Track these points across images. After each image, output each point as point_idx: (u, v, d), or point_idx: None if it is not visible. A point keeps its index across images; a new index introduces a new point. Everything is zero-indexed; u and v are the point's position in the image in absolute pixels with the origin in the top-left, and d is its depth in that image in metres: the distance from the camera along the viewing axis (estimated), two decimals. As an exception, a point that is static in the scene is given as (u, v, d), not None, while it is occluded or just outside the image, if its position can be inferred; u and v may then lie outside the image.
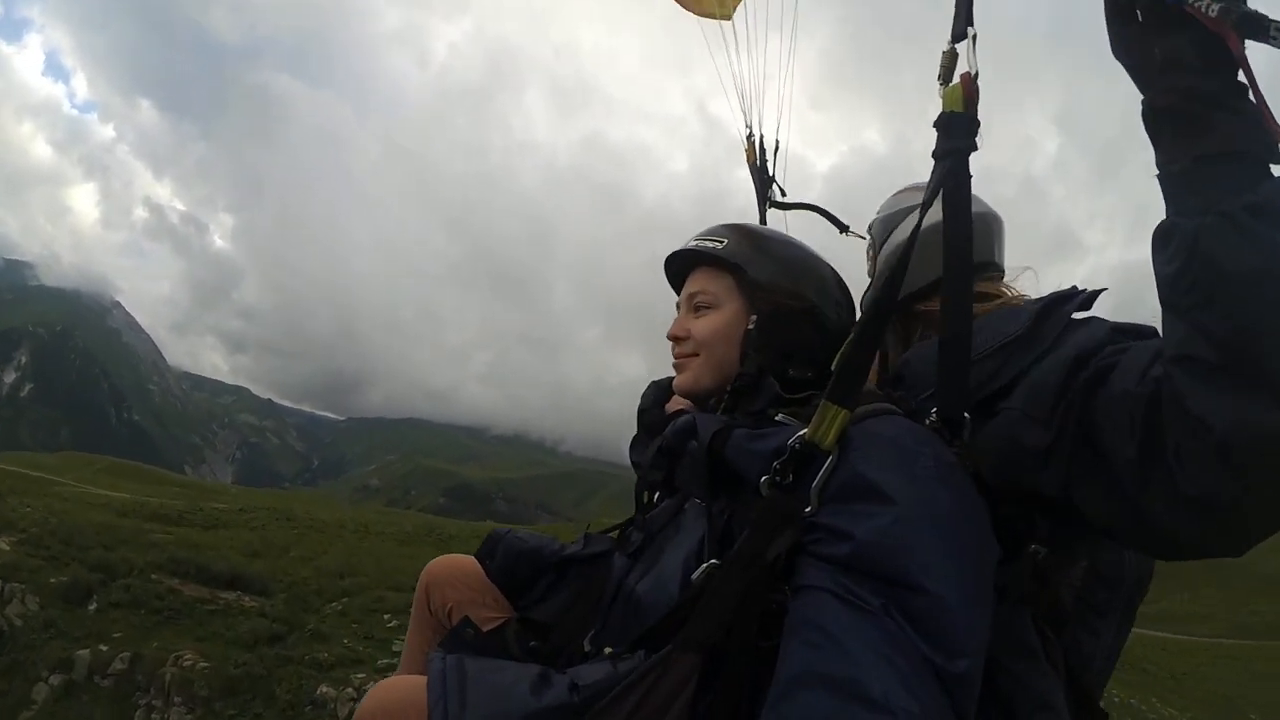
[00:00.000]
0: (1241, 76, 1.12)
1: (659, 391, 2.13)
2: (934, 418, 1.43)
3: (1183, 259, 1.13)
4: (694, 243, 1.84)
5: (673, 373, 1.92)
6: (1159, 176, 1.18)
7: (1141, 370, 1.23)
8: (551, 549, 2.12)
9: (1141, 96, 1.21)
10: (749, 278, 1.74)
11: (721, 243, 1.79)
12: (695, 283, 1.84)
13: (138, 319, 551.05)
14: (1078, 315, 1.51)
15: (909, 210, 1.97)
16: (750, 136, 3.26)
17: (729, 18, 3.26)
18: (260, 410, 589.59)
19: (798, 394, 1.66)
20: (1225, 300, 1.09)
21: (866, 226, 2.26)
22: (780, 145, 3.25)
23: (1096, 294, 1.54)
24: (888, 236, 2.12)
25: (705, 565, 1.44)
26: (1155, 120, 1.19)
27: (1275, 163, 1.11)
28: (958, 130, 1.42)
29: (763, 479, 1.36)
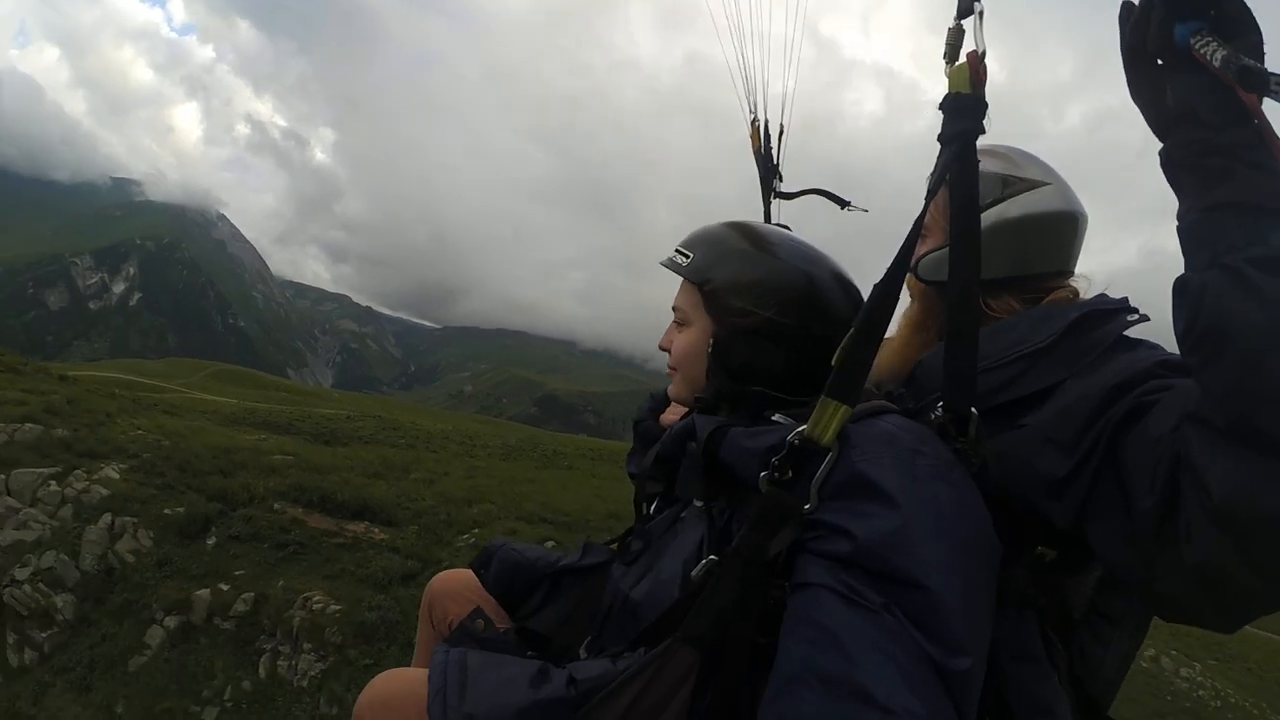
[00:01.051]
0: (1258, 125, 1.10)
1: (655, 403, 2.20)
2: (939, 412, 1.40)
3: (1189, 314, 1.11)
4: (672, 255, 1.78)
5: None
6: (1177, 229, 1.17)
7: (1179, 417, 1.16)
8: (547, 560, 2.11)
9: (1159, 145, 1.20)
10: (712, 296, 1.69)
11: (688, 256, 1.74)
12: (679, 293, 1.79)
13: (242, 231, 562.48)
14: (1128, 334, 1.45)
15: (1001, 183, 1.76)
16: (755, 122, 3.15)
17: None
18: (360, 317, 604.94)
19: (795, 397, 1.63)
20: (1228, 359, 1.05)
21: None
22: (785, 130, 3.13)
23: (1142, 316, 1.50)
24: None
25: (705, 561, 1.43)
26: (1171, 171, 1.18)
27: None
28: (964, 112, 1.38)
29: (761, 475, 1.35)
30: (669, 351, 1.80)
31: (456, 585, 2.19)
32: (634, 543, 1.79)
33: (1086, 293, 1.70)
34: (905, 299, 1.86)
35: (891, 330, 1.59)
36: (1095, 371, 1.36)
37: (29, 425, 13.40)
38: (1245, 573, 1.06)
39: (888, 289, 1.33)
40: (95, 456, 13.02)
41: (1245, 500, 1.02)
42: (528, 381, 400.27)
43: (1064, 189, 1.75)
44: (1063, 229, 1.74)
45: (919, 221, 1.37)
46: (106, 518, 11.45)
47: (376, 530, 12.59)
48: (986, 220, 1.51)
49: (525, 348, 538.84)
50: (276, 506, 12.53)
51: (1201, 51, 1.08)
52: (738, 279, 1.66)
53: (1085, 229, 1.78)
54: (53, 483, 11.90)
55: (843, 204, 2.69)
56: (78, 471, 12.34)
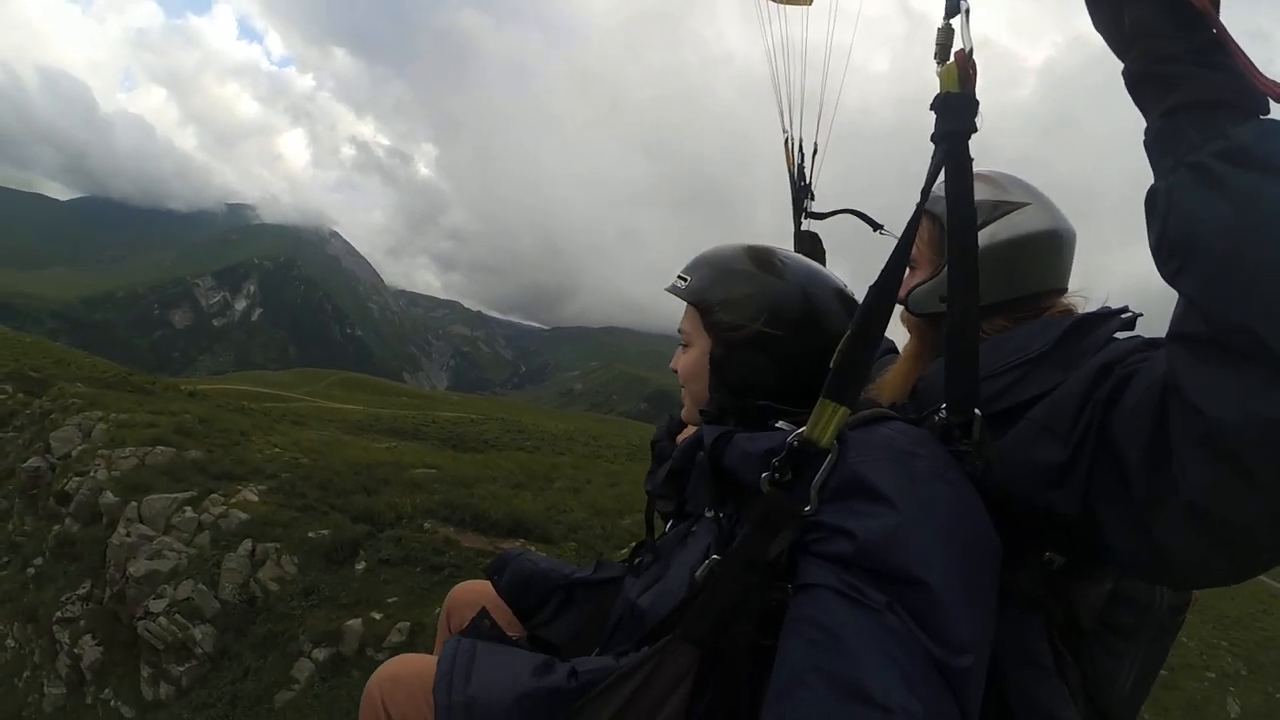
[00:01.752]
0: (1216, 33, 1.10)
1: (672, 423, 2.23)
2: (942, 414, 1.41)
3: (1159, 222, 1.10)
4: (675, 280, 1.85)
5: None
6: (1144, 144, 1.16)
7: (1162, 372, 1.14)
8: (562, 572, 2.16)
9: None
10: (706, 317, 1.76)
11: (686, 280, 1.80)
12: (683, 317, 1.86)
13: (355, 246, 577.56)
14: (1120, 336, 1.44)
15: (991, 206, 1.75)
16: (788, 141, 3.22)
17: (810, 2, 3.18)
18: (471, 322, 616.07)
19: (799, 409, 1.64)
20: (1203, 260, 1.03)
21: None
22: (819, 150, 3.20)
23: (1136, 316, 1.49)
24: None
25: (708, 562, 1.45)
26: (1134, 88, 1.18)
27: (1258, 111, 1.07)
28: (956, 111, 1.39)
29: (762, 476, 1.37)
30: (675, 371, 1.87)
31: (477, 595, 2.26)
32: (645, 557, 1.83)
33: (1085, 308, 1.69)
34: (905, 334, 1.94)
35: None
36: (1086, 358, 1.34)
37: (160, 448, 12.71)
38: (1242, 494, 1.00)
39: (884, 288, 1.35)
40: (232, 478, 12.08)
41: (1233, 409, 0.98)
42: (636, 378, 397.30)
43: (1049, 207, 1.76)
44: (1052, 247, 1.73)
45: (915, 218, 1.38)
46: (247, 544, 10.31)
47: (533, 548, 11.24)
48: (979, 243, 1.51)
49: (633, 344, 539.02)
50: (427, 526, 11.39)
51: None
52: (729, 295, 1.73)
53: (1074, 246, 1.78)
54: (188, 508, 10.98)
55: (876, 226, 2.64)
56: (214, 495, 11.34)
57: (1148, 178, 1.15)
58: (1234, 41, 1.08)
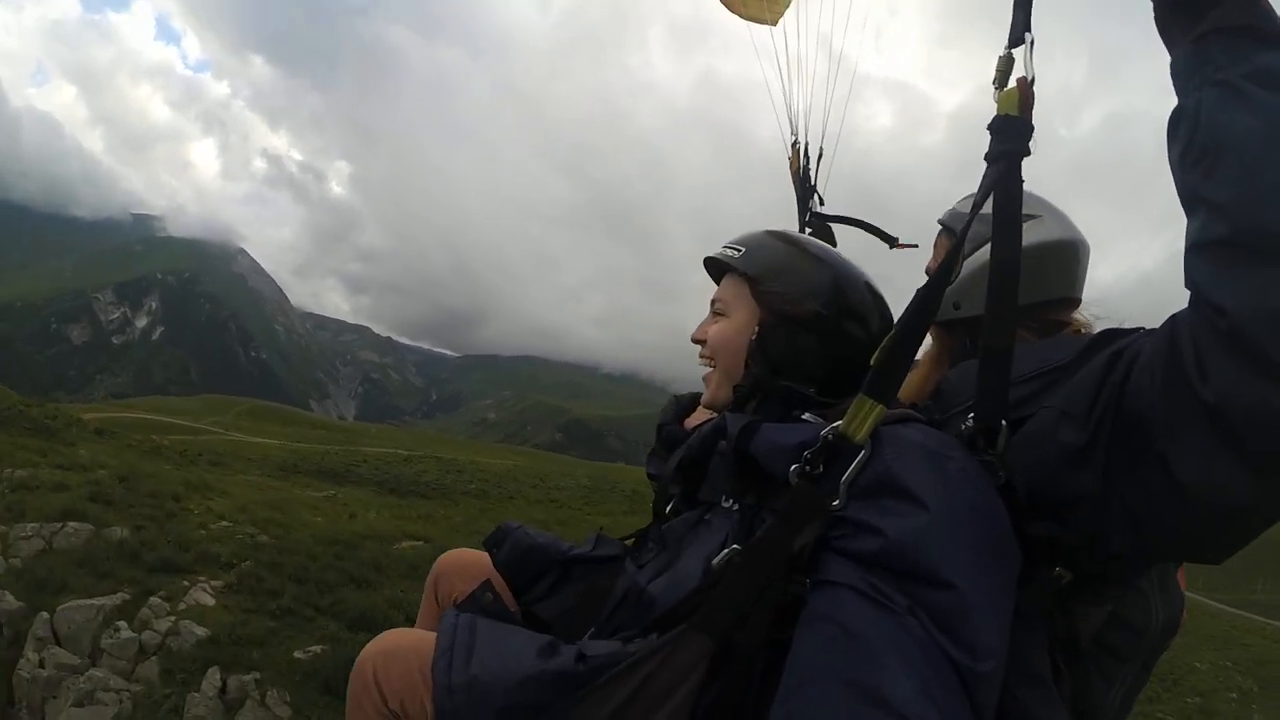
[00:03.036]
0: None
1: (679, 406, 2.16)
2: (969, 423, 1.41)
3: (1186, 135, 1.14)
4: (719, 250, 1.86)
5: (696, 388, 1.97)
6: (1171, 72, 1.20)
7: (1170, 321, 1.19)
8: (559, 548, 2.11)
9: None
10: (761, 287, 1.75)
11: (740, 250, 1.81)
12: (721, 288, 1.86)
13: (262, 264, 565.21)
14: None
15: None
16: (795, 144, 3.26)
17: (775, 23, 3.27)
18: (380, 347, 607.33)
19: (828, 398, 1.68)
20: (1228, 166, 1.07)
21: (939, 220, 2.09)
22: (825, 154, 3.23)
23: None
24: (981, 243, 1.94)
25: (726, 551, 1.42)
26: (1162, 20, 1.22)
27: None
28: (1011, 133, 1.41)
29: (792, 468, 1.36)
30: (702, 343, 1.84)
31: (466, 563, 2.19)
32: (650, 543, 1.77)
33: (1097, 323, 1.80)
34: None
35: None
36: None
37: (72, 525, 9.52)
38: (1266, 388, 1.03)
39: (932, 293, 1.37)
40: (174, 569, 8.94)
41: (1257, 306, 1.02)
42: (551, 408, 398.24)
43: (1063, 218, 1.86)
44: (1069, 255, 1.84)
45: (964, 232, 1.44)
46: (214, 675, 7.13)
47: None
48: (987, 253, 1.55)
49: (548, 374, 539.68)
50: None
51: None
52: (791, 271, 1.75)
53: (1088, 256, 1.89)
54: (121, 623, 7.73)
55: (890, 241, 2.74)
56: (155, 599, 8.17)
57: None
58: None
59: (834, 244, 2.91)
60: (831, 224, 3.04)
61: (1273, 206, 1.03)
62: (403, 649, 1.57)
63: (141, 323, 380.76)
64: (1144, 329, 1.45)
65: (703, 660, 1.26)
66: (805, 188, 3.20)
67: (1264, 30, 1.11)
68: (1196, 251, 1.12)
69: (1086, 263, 1.90)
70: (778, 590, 1.27)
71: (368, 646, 1.61)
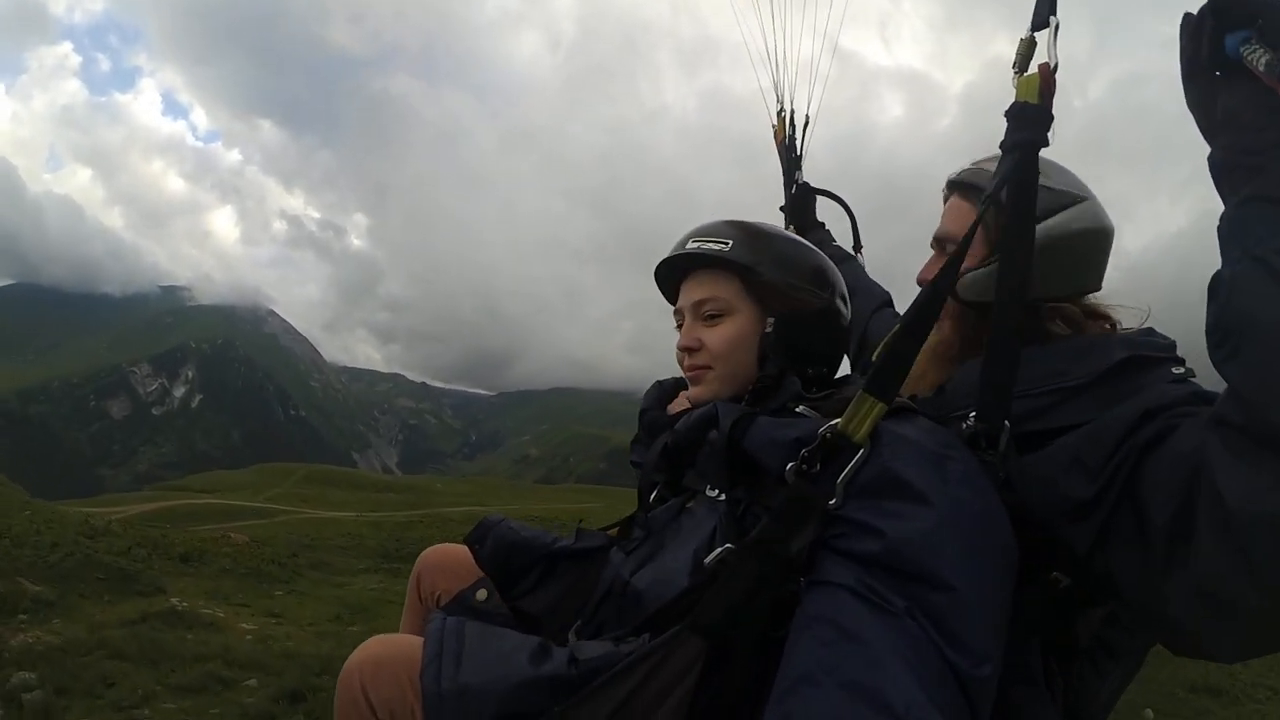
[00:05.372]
0: None
1: (662, 392, 2.12)
2: (971, 422, 1.41)
3: (1217, 307, 1.12)
4: (695, 244, 1.77)
5: (677, 373, 1.92)
6: (1217, 231, 1.17)
7: (1200, 449, 1.14)
8: (543, 541, 2.05)
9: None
10: (761, 279, 1.71)
11: (726, 244, 1.73)
12: (700, 288, 1.78)
13: (292, 323, 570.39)
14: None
15: (1051, 197, 1.69)
16: (780, 112, 3.25)
17: None
18: (416, 393, 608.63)
19: (817, 390, 1.68)
20: (1252, 354, 1.05)
21: (952, 179, 1.86)
22: (811, 121, 3.22)
23: (1191, 371, 1.47)
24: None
25: (719, 550, 1.39)
26: (1218, 176, 1.19)
27: None
28: (1029, 121, 1.39)
29: (789, 466, 1.34)
30: (693, 350, 1.77)
31: (448, 560, 2.12)
32: (635, 531, 1.78)
33: (1118, 314, 1.67)
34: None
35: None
36: (1128, 399, 1.33)
37: None
38: (1246, 587, 1.04)
39: (939, 288, 1.35)
40: None
41: (1254, 504, 1.00)
42: (592, 437, 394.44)
43: (1097, 205, 1.71)
44: (1099, 246, 1.69)
45: (975, 225, 1.39)
46: None
47: None
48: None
49: (584, 403, 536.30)
50: None
51: (1250, 59, 1.11)
52: (782, 258, 1.72)
53: (1110, 246, 1.74)
54: None
55: (857, 246, 2.91)
56: None
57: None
58: None
59: (815, 216, 3.14)
60: (817, 197, 3.12)
61: None
62: (390, 657, 1.49)
63: (180, 392, 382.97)
64: (1180, 369, 1.43)
65: (698, 662, 1.24)
66: (790, 158, 3.19)
67: None
68: (1214, 427, 1.11)
69: (1110, 249, 1.73)
70: (773, 589, 1.26)
71: (353, 655, 1.53)
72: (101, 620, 9.85)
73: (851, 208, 2.96)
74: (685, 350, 1.78)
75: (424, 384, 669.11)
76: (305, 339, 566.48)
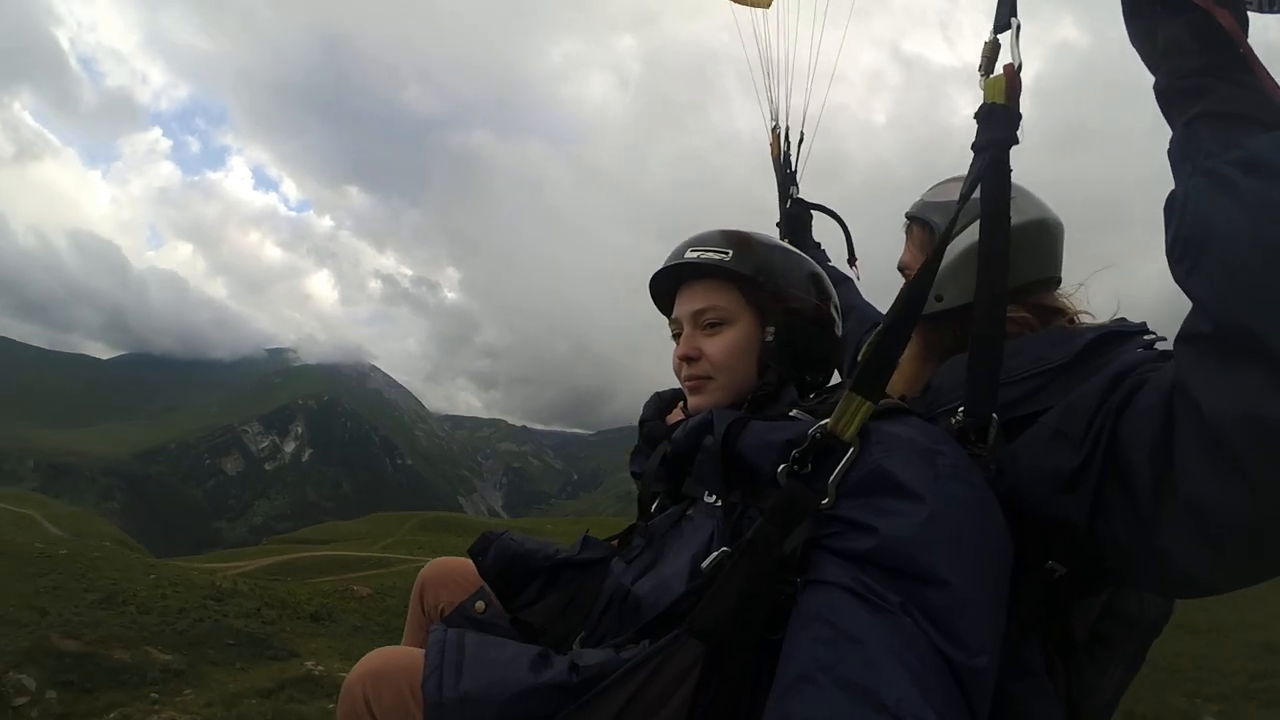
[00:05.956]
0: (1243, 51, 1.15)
1: (661, 403, 2.18)
2: (959, 417, 1.42)
3: (1174, 227, 1.13)
4: (694, 254, 1.81)
5: (676, 383, 1.94)
6: (1168, 154, 1.20)
7: (1170, 384, 1.16)
8: (545, 552, 2.07)
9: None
10: (760, 288, 1.76)
11: (726, 253, 1.77)
12: (698, 298, 1.82)
13: (394, 376, 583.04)
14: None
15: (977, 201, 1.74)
16: (775, 129, 3.33)
17: (768, 5, 3.26)
18: (517, 437, 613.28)
19: (811, 395, 1.73)
20: (1212, 261, 1.06)
21: (908, 213, 2.03)
22: (805, 138, 3.29)
23: (1160, 338, 1.52)
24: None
25: (716, 554, 1.41)
26: (1163, 101, 1.22)
27: (1277, 126, 1.10)
28: (998, 122, 1.43)
29: (780, 468, 1.36)
30: (693, 360, 1.80)
31: (451, 573, 2.17)
32: (636, 540, 1.79)
33: (1081, 303, 1.78)
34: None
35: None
36: (1100, 370, 1.35)
37: None
38: (1239, 493, 1.02)
39: (918, 287, 1.36)
40: None
41: (1233, 408, 1.01)
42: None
43: (1033, 198, 1.81)
44: (1043, 236, 1.80)
45: (950, 224, 1.41)
46: None
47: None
48: (965, 241, 1.62)
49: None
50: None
51: None
52: (781, 267, 1.78)
53: (1063, 235, 1.85)
54: None
55: (851, 257, 2.93)
56: None
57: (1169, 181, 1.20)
58: (1259, 61, 1.14)
59: (810, 231, 3.26)
60: (813, 211, 3.23)
61: (1256, 306, 1.00)
62: (391, 668, 1.53)
63: (290, 447, 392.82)
64: (1149, 335, 1.50)
65: (697, 665, 1.24)
66: (785, 173, 3.29)
67: (1257, 117, 1.10)
68: (1183, 342, 1.12)
69: (1062, 241, 1.85)
70: (770, 590, 1.26)
71: (356, 667, 1.57)
72: (236, 690, 9.75)
73: (845, 224, 2.99)
74: (684, 360, 1.81)
75: (524, 427, 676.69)
76: (408, 391, 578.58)
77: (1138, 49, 1.26)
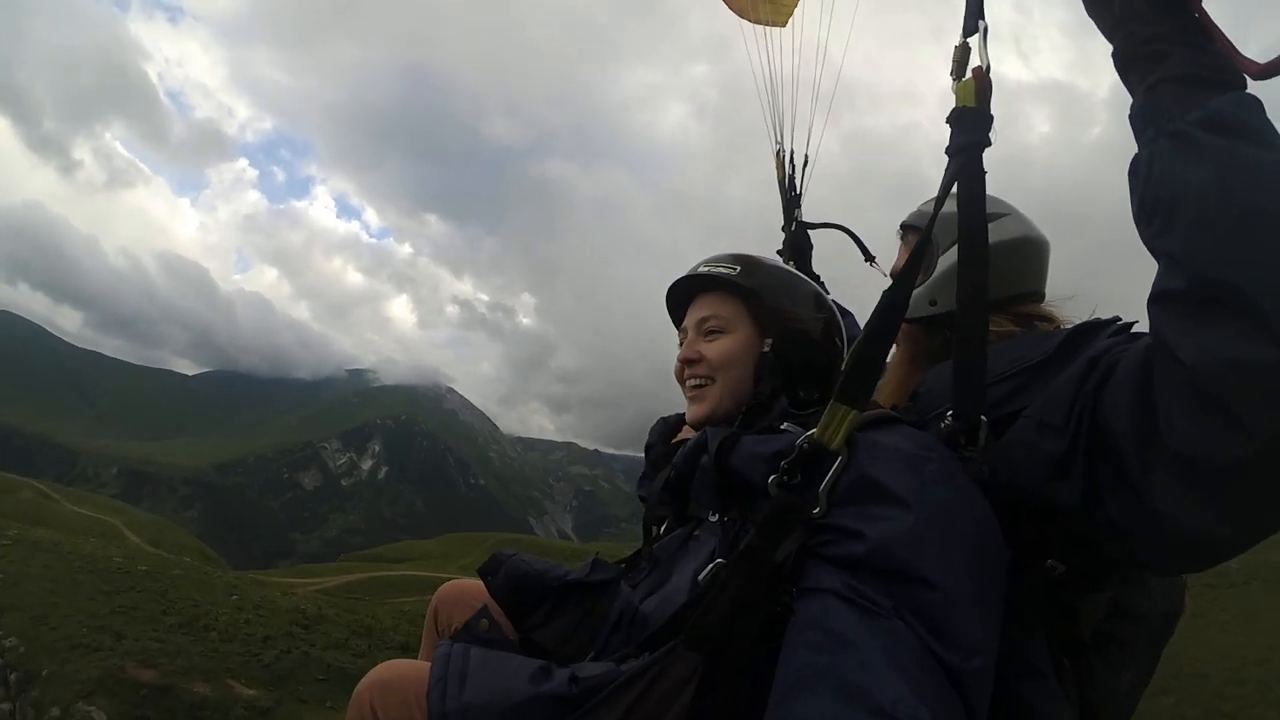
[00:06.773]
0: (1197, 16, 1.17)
1: (666, 427, 2.31)
2: (949, 421, 1.45)
3: (1141, 189, 1.15)
4: (705, 269, 1.92)
5: (681, 410, 2.03)
6: (1129, 119, 1.22)
7: (1144, 351, 1.19)
8: (555, 574, 2.08)
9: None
10: (761, 303, 1.85)
11: (734, 269, 1.87)
12: (704, 308, 1.92)
13: (470, 399, 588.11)
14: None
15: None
16: (779, 151, 3.40)
17: (784, 24, 3.33)
18: (589, 460, 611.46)
19: (804, 410, 1.74)
20: (1181, 219, 1.08)
21: (903, 222, 2.17)
22: (810, 161, 3.36)
23: (1132, 324, 1.51)
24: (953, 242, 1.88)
25: (711, 566, 1.45)
26: (1121, 68, 1.24)
27: (1235, 86, 1.13)
28: (970, 125, 1.46)
29: (770, 479, 1.39)
30: (693, 362, 1.88)
31: (463, 594, 2.22)
32: (642, 563, 1.87)
33: (1070, 314, 1.84)
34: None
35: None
36: (1076, 359, 1.38)
37: None
38: (1228, 438, 1.03)
39: (898, 293, 1.38)
40: None
41: (1214, 357, 1.02)
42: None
43: (1023, 217, 1.92)
44: (1030, 252, 1.91)
45: (929, 228, 1.45)
46: None
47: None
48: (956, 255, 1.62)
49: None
50: None
51: None
52: (784, 287, 1.88)
53: (1049, 252, 1.95)
54: None
55: (869, 257, 2.93)
56: None
57: None
58: (1214, 24, 1.15)
59: (810, 261, 3.35)
60: (811, 231, 3.31)
61: (1227, 259, 1.01)
62: (399, 679, 1.58)
63: (367, 465, 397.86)
64: (1121, 322, 1.50)
65: (694, 675, 1.26)
66: (790, 196, 3.37)
67: (1216, 79, 1.12)
68: (1156, 302, 1.13)
69: (1047, 258, 1.94)
70: (764, 600, 1.28)
71: (365, 678, 1.62)
72: (330, 732, 9.02)
73: (850, 230, 3.05)
74: (685, 362, 1.89)
75: (595, 450, 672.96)
76: (482, 413, 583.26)
77: (1094, 18, 1.27)
